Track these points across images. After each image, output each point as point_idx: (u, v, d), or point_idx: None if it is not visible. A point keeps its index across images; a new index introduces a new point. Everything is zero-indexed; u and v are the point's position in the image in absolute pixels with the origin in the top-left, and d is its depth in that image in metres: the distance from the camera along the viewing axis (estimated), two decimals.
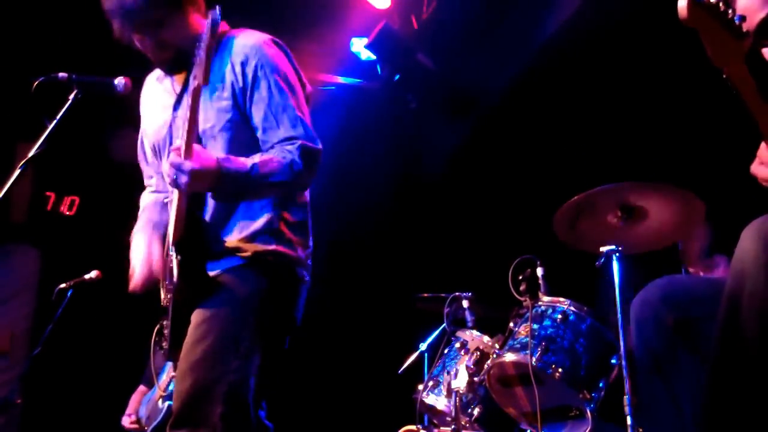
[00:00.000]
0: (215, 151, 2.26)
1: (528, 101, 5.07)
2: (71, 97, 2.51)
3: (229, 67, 2.31)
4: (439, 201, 5.90)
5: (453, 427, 3.25)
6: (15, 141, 5.05)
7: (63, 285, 4.26)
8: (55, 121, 2.46)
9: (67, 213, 5.80)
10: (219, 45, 2.32)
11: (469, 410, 3.35)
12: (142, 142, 2.64)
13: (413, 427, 3.64)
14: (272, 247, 2.29)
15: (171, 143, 2.38)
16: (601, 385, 2.99)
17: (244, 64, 2.30)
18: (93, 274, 4.31)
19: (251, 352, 2.16)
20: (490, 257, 4.03)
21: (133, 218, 2.59)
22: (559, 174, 4.85)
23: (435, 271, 5.42)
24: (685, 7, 1.55)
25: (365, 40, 5.24)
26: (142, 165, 2.68)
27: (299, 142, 2.23)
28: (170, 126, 2.42)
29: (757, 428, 1.66)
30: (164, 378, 4.64)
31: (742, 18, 1.61)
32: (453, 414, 3.27)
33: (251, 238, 2.28)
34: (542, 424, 3.10)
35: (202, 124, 2.28)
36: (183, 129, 2.08)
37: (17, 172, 2.38)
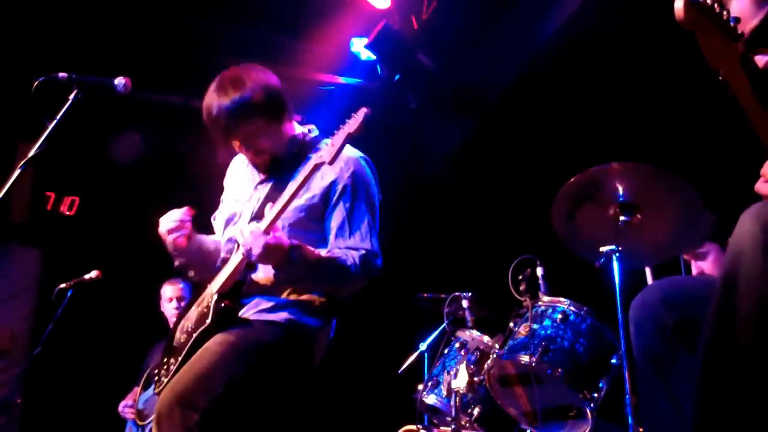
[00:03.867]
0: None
1: (528, 101, 5.06)
2: (71, 97, 2.53)
3: (319, 173, 2.48)
4: (439, 201, 5.89)
5: (453, 427, 3.25)
6: (15, 141, 5.06)
7: (63, 285, 4.27)
8: (55, 121, 2.47)
9: (67, 213, 5.80)
10: (312, 151, 2.51)
11: (469, 410, 3.35)
12: (221, 210, 2.87)
13: (413, 427, 3.64)
14: (302, 320, 2.51)
15: (250, 215, 2.61)
16: (601, 385, 2.99)
17: (336, 174, 2.53)
18: (93, 274, 4.32)
19: (239, 386, 2.34)
20: (490, 257, 4.02)
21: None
22: (559, 174, 4.84)
23: (435, 271, 5.41)
24: (681, 8, 1.56)
25: (365, 40, 5.24)
26: (215, 224, 2.90)
27: (363, 251, 2.47)
28: (248, 200, 2.66)
29: (751, 412, 1.65)
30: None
31: (737, 20, 1.61)
32: (453, 414, 3.28)
33: (290, 305, 2.51)
34: (542, 424, 3.11)
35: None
36: (277, 203, 2.34)
37: (17, 172, 2.39)
